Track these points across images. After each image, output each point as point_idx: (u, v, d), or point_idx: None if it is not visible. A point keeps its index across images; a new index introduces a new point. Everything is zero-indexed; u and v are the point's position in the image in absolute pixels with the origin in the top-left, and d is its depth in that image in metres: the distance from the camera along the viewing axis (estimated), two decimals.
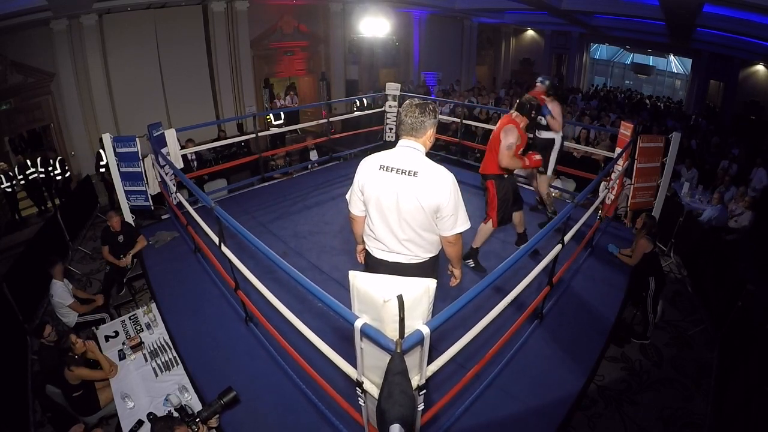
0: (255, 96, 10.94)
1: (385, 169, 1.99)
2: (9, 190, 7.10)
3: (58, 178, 7.44)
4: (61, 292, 3.94)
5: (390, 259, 2.14)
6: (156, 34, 9.25)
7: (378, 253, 2.18)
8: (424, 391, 1.67)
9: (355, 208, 2.18)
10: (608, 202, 4.39)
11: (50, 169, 7.37)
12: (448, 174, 1.98)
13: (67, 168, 7.64)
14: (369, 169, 2.06)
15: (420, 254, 2.12)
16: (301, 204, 4.95)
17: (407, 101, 2.07)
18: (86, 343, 3.18)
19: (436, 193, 1.94)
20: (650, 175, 4.46)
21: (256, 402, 2.51)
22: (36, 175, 7.23)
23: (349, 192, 2.21)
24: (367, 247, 2.24)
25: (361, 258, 2.45)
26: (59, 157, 7.57)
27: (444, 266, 2.34)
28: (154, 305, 3.56)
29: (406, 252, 2.10)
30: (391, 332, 1.44)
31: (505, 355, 2.69)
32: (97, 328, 3.62)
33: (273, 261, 2.05)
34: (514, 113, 3.37)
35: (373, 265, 2.21)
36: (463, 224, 2.05)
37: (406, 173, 1.96)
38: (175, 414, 2.46)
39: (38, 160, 7.20)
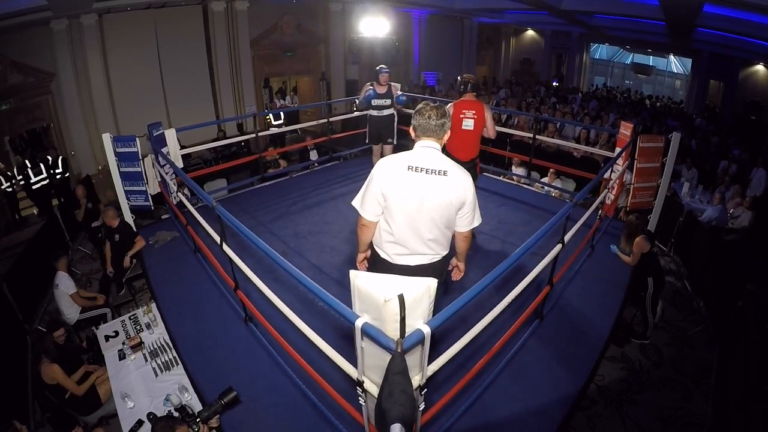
0: (255, 96, 10.95)
1: (414, 169, 2.00)
2: (9, 190, 7.09)
3: (58, 177, 7.43)
4: (66, 280, 3.97)
5: (413, 263, 2.14)
6: (156, 34, 9.26)
7: (399, 259, 2.15)
8: (425, 390, 1.67)
9: (371, 214, 2.10)
10: (608, 201, 4.39)
11: (55, 171, 7.35)
12: (467, 173, 2.08)
13: (67, 167, 7.64)
14: (394, 171, 2.02)
15: (440, 252, 2.17)
16: (301, 204, 4.95)
17: (424, 103, 2.11)
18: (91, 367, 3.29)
19: (463, 191, 2.02)
20: (650, 175, 4.46)
21: (256, 402, 2.51)
22: (44, 182, 7.20)
23: (359, 198, 2.13)
24: (383, 255, 2.19)
25: (362, 267, 2.39)
26: (61, 157, 7.57)
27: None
28: (154, 305, 3.56)
29: (429, 252, 2.13)
30: (392, 332, 1.44)
31: (505, 355, 2.69)
32: (96, 328, 3.62)
33: (274, 260, 2.05)
34: (470, 95, 3.73)
35: (387, 271, 2.15)
36: (478, 219, 2.16)
37: (437, 173, 1.99)
38: (176, 414, 2.46)
39: (41, 164, 7.17)
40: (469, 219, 2.10)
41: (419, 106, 2.10)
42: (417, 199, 2.00)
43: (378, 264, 2.24)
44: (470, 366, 2.38)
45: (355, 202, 2.16)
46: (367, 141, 5.22)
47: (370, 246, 2.28)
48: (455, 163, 2.07)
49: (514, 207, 4.83)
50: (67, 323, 3.78)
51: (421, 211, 2.02)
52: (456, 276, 2.43)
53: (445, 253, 2.20)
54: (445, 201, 2.01)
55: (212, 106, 10.46)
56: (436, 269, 2.18)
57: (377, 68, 4.88)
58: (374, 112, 4.94)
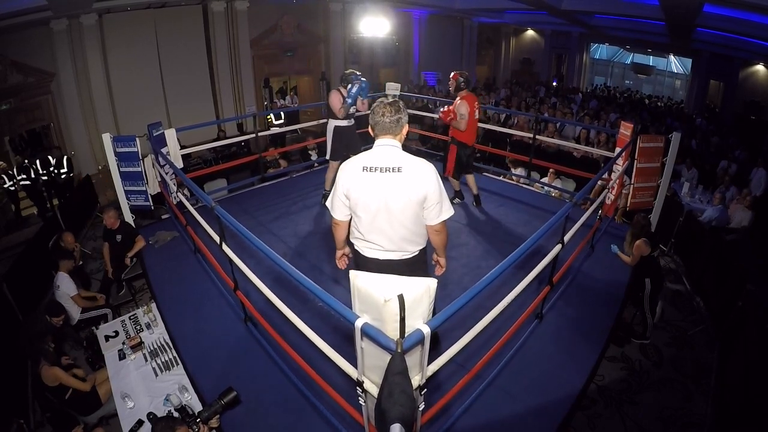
0: (255, 96, 10.95)
1: (369, 170, 2.02)
2: (12, 188, 7.10)
3: (63, 176, 7.44)
4: (68, 282, 3.98)
5: (381, 257, 2.17)
6: (156, 34, 9.26)
7: (369, 252, 2.19)
8: (425, 390, 1.67)
9: (340, 214, 2.18)
10: (608, 202, 4.39)
11: (52, 170, 7.35)
12: (429, 164, 2.05)
13: (71, 166, 7.66)
14: (352, 172, 2.07)
15: (410, 249, 2.17)
16: (301, 204, 4.95)
17: (379, 101, 2.09)
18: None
19: (422, 184, 2.00)
20: (650, 175, 4.45)
21: (256, 402, 2.51)
22: (38, 179, 7.19)
23: (329, 198, 2.21)
24: (356, 247, 2.25)
25: (341, 264, 2.47)
26: (66, 156, 7.58)
27: (428, 257, 2.38)
28: (154, 305, 3.56)
29: (397, 249, 2.14)
30: (392, 332, 1.44)
31: (505, 355, 2.69)
32: (96, 328, 3.62)
33: (274, 261, 2.05)
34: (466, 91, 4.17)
35: (364, 264, 2.22)
36: (447, 211, 2.11)
37: (391, 170, 2.00)
38: (176, 414, 2.46)
39: (38, 162, 7.18)
40: (435, 211, 2.06)
41: (374, 104, 2.10)
42: (377, 200, 2.02)
43: (355, 254, 2.31)
44: (470, 366, 2.38)
45: (328, 203, 2.23)
46: (329, 157, 4.48)
47: (348, 240, 2.33)
48: (414, 156, 2.07)
49: (514, 207, 4.83)
50: (67, 313, 3.80)
51: (381, 211, 2.03)
52: (437, 271, 2.43)
53: (416, 249, 2.20)
54: (406, 199, 2.01)
55: (212, 106, 10.46)
56: (408, 265, 2.19)
57: (347, 72, 4.33)
58: (344, 123, 4.38)
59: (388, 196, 2.01)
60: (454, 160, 4.41)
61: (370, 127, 2.13)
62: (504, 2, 11.45)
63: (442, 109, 4.28)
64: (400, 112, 2.05)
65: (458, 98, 4.20)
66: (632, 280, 3.70)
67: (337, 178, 2.14)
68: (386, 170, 2.00)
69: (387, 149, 2.06)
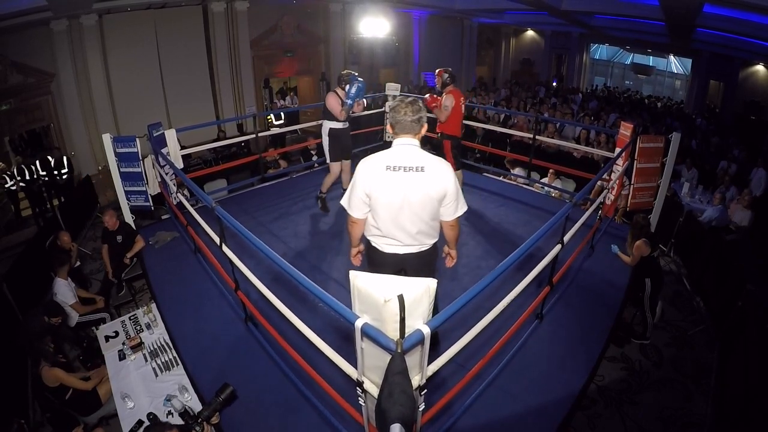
0: (255, 96, 10.95)
1: (393, 168, 2.07)
2: (14, 188, 7.10)
3: (65, 176, 7.44)
4: (65, 290, 3.95)
5: (401, 252, 2.24)
6: (156, 34, 9.27)
7: (388, 248, 2.25)
8: (425, 390, 1.67)
9: (358, 212, 2.21)
10: (608, 202, 4.39)
11: (61, 171, 7.36)
12: (447, 163, 2.15)
13: (72, 167, 7.66)
14: (374, 171, 2.11)
15: (427, 242, 2.26)
16: (301, 204, 4.95)
17: (399, 100, 2.14)
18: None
19: (442, 183, 2.08)
20: (650, 176, 4.45)
21: (256, 402, 2.51)
22: (35, 181, 7.18)
23: (347, 197, 2.23)
24: (374, 244, 2.30)
25: (357, 261, 2.51)
26: (65, 156, 7.58)
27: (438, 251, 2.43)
28: (154, 305, 3.56)
29: (415, 243, 2.22)
30: (392, 332, 1.44)
31: (505, 355, 2.69)
32: (97, 328, 3.62)
33: (275, 261, 2.05)
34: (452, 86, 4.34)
35: (380, 259, 2.29)
36: (463, 207, 2.22)
37: (414, 169, 2.06)
38: (178, 417, 2.46)
39: (37, 163, 7.18)
40: (452, 208, 2.17)
41: (394, 103, 2.15)
42: (398, 197, 2.08)
43: (370, 251, 2.36)
44: (470, 366, 2.38)
45: (344, 202, 2.26)
46: (329, 159, 4.45)
47: (363, 237, 2.38)
48: (433, 156, 2.13)
49: (514, 207, 4.83)
50: (66, 314, 3.80)
51: (404, 208, 2.10)
52: (449, 263, 2.52)
53: (432, 242, 2.28)
54: (426, 196, 2.08)
55: (212, 107, 10.47)
56: (424, 257, 2.29)
57: (344, 73, 4.33)
58: (339, 125, 4.31)
59: (410, 193, 2.07)
60: (451, 153, 4.50)
61: (389, 125, 2.17)
62: (504, 2, 11.44)
63: (428, 95, 4.36)
64: (421, 111, 2.12)
65: (444, 93, 4.30)
66: (632, 281, 3.70)
67: (354, 177, 2.17)
68: (410, 169, 2.06)
69: (408, 148, 2.11)
